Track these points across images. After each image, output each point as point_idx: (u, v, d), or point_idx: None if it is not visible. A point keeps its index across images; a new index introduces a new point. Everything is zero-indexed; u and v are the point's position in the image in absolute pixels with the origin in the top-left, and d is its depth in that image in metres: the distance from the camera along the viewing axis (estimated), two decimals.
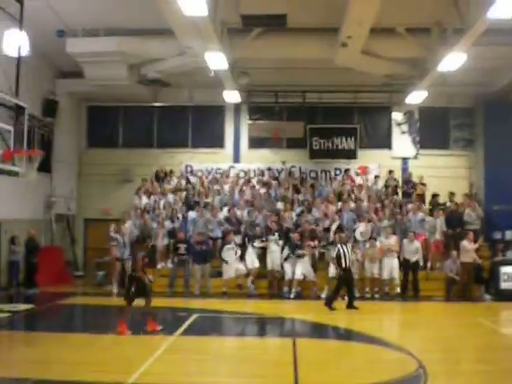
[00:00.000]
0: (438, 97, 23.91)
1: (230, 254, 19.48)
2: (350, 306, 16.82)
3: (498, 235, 22.72)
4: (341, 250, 16.96)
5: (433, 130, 26.12)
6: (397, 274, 19.35)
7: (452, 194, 22.93)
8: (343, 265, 16.84)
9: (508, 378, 10.24)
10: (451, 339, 13.65)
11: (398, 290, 19.37)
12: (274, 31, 19.22)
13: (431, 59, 19.18)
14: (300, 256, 19.04)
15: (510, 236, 22.76)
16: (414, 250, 19.45)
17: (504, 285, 19.46)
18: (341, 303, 16.90)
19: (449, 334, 14.22)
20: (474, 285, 19.43)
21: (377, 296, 19.22)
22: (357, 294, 18.40)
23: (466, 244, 19.55)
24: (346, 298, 17.10)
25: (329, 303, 16.80)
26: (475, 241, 19.71)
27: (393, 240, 19.87)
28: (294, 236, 19.49)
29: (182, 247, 19.87)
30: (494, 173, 24.03)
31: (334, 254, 17.28)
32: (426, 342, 12.81)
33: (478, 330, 14.64)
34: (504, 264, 19.76)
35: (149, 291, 13.37)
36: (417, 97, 22.71)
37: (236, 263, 19.38)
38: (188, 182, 24.28)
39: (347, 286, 17.05)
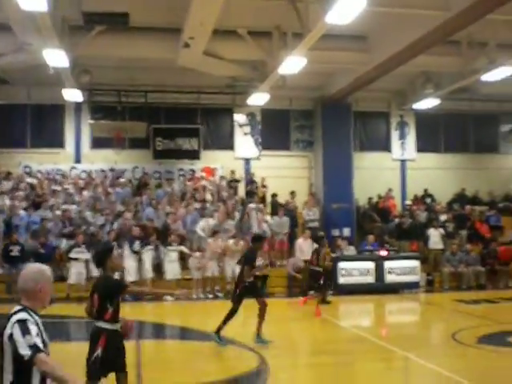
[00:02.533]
0: (279, 99, 24.50)
1: (77, 256, 18.95)
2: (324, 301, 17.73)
3: (336, 232, 23.75)
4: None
5: (274, 131, 26.81)
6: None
7: (292, 193, 23.73)
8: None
9: (348, 369, 10.72)
10: (292, 333, 14.09)
11: None
12: (117, 30, 18.79)
13: (272, 62, 19.56)
14: (137, 252, 19.23)
15: (348, 233, 23.88)
16: None
17: (342, 279, 20.36)
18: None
19: (290, 329, 14.68)
20: None
21: (220, 295, 19.39)
22: (200, 295, 18.87)
23: (301, 242, 20.17)
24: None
25: (323, 300, 17.54)
26: (316, 241, 20.06)
27: (237, 240, 20.18)
28: (134, 230, 19.46)
29: (15, 249, 19.05)
30: (331, 173, 25.07)
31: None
32: (267, 337, 13.09)
33: (318, 324, 15.21)
34: (342, 260, 20.66)
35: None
36: (258, 99, 23.09)
37: (80, 267, 18.87)
38: (27, 183, 23.25)
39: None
